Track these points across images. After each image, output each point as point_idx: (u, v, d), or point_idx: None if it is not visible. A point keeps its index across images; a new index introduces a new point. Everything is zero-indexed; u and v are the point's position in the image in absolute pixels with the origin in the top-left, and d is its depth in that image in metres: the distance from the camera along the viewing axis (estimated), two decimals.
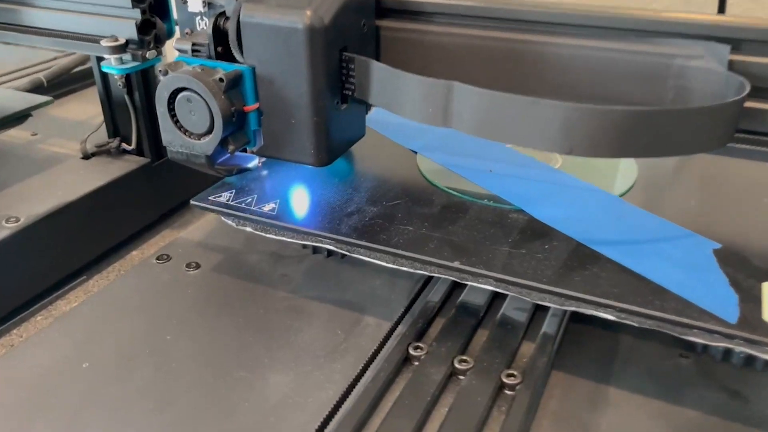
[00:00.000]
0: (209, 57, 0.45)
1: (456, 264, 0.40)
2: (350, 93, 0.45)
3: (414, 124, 0.56)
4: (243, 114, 0.45)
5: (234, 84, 0.44)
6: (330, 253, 0.50)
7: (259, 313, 0.45)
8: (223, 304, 0.46)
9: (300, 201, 0.49)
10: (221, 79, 0.43)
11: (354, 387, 0.38)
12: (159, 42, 0.58)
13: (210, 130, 0.44)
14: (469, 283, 0.40)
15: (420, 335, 0.42)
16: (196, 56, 0.45)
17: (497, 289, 0.39)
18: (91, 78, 0.68)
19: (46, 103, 0.63)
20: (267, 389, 0.39)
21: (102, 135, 0.64)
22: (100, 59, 0.59)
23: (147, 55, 0.57)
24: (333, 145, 0.46)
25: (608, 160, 0.53)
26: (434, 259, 0.41)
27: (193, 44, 0.45)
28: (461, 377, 0.38)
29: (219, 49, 0.45)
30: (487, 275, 0.40)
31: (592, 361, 0.40)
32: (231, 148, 0.45)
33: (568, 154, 0.36)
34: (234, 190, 0.50)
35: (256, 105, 0.45)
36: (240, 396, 0.38)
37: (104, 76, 0.62)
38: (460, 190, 0.49)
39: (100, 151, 0.63)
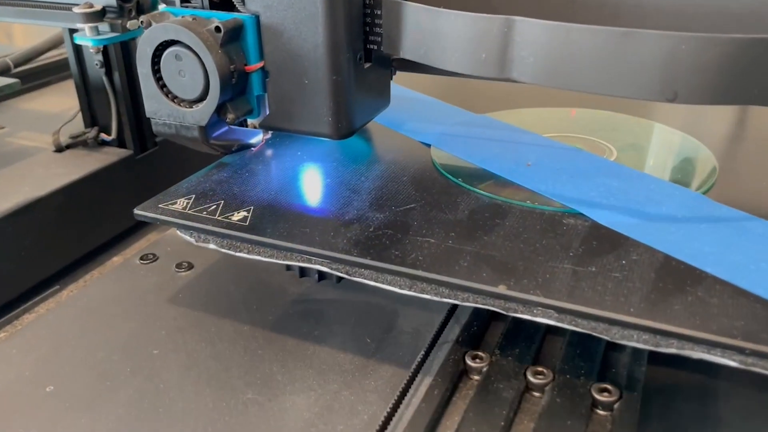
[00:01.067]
0: (202, 7, 0.37)
1: (500, 289, 0.29)
2: (375, 47, 0.37)
3: (423, 113, 0.49)
4: (244, 75, 0.36)
5: (233, 36, 0.35)
6: (322, 275, 0.40)
7: (268, 320, 0.37)
8: (223, 310, 0.38)
9: (281, 207, 0.36)
10: (218, 29, 0.34)
11: (396, 410, 0.30)
12: (141, 11, 0.50)
13: (204, 95, 0.35)
14: (520, 316, 0.29)
15: (476, 342, 0.33)
16: (186, 6, 0.37)
17: (561, 324, 0.28)
18: (68, 69, 0.60)
19: (10, 87, 0.54)
20: (284, 415, 0.30)
21: (78, 125, 0.56)
22: (73, 33, 0.51)
23: (128, 26, 0.49)
24: (354, 112, 0.38)
25: (680, 148, 0.44)
26: (468, 283, 0.29)
27: None
28: (538, 394, 0.30)
29: None
30: (546, 304, 0.28)
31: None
32: (230, 117, 0.37)
33: (671, 101, 0.28)
34: (194, 195, 0.38)
35: (261, 63, 0.37)
36: (250, 425, 0.30)
37: (79, 54, 0.54)
38: (491, 190, 0.37)
39: (76, 143, 0.55)
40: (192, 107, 0.36)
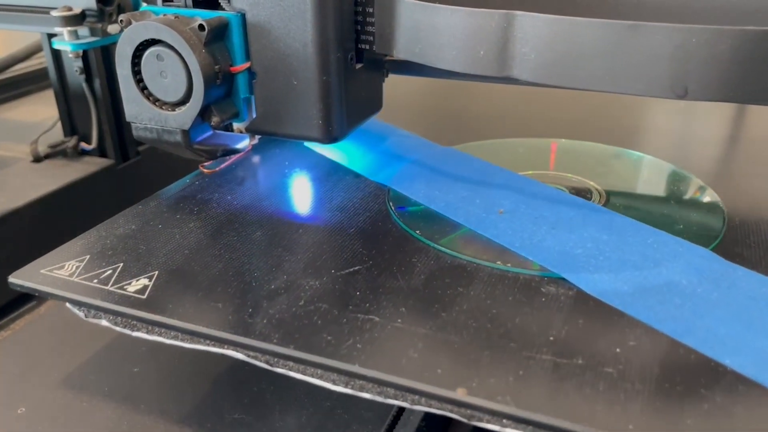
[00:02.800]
0: (185, 5, 0.35)
1: (459, 394, 0.22)
2: (368, 46, 0.35)
3: (380, 145, 0.43)
4: (230, 76, 0.35)
5: (218, 35, 0.34)
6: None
7: None
8: None
9: (194, 272, 0.30)
10: (201, 27, 0.33)
11: (394, 428, 0.28)
12: (123, 13, 0.48)
13: (187, 98, 0.34)
14: (487, 426, 0.22)
15: None
16: (168, 5, 0.35)
17: None
18: (48, 79, 0.58)
19: None
20: None
21: (57, 134, 0.54)
22: (51, 38, 0.49)
23: (108, 30, 0.48)
24: (345, 115, 0.36)
25: (679, 188, 0.37)
26: (418, 384, 0.23)
27: None
28: None
29: None
30: (520, 417, 0.21)
31: None
32: (215, 120, 0.35)
33: (681, 97, 0.27)
34: (88, 255, 0.31)
35: (247, 64, 0.35)
36: None
37: (57, 60, 0.52)
38: (455, 246, 0.31)
39: (55, 153, 0.53)
40: (174, 110, 0.34)
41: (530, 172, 0.38)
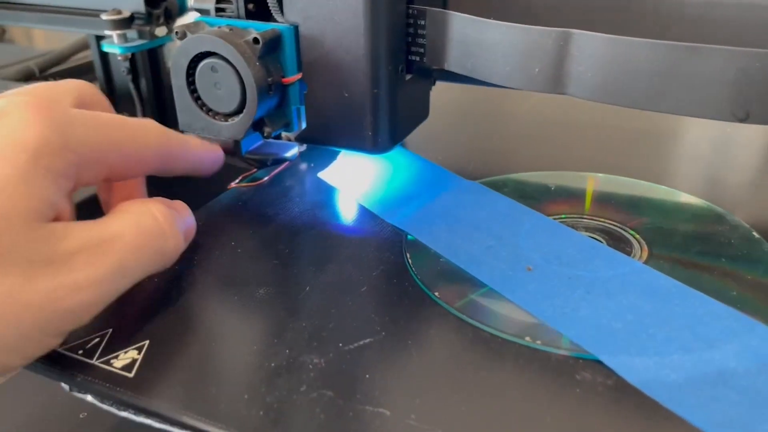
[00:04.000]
0: (238, 17, 0.35)
1: None
2: (418, 58, 0.35)
3: (399, 178, 0.37)
4: (282, 87, 0.35)
5: (271, 48, 0.34)
6: None
7: None
8: None
9: (188, 341, 0.25)
10: (256, 40, 0.33)
11: None
12: (170, 17, 0.49)
13: (240, 109, 0.34)
14: None
15: None
16: (221, 16, 0.36)
17: None
18: (92, 73, 0.59)
19: None
20: None
21: None
22: (99, 39, 0.49)
23: (156, 32, 0.48)
24: (395, 125, 0.36)
25: (732, 242, 0.30)
26: None
27: (217, 0, 0.36)
28: None
29: (250, 6, 0.35)
30: None
31: None
32: (267, 131, 0.35)
33: (743, 121, 0.26)
34: None
35: (299, 75, 0.35)
36: None
37: (105, 61, 0.53)
38: (478, 313, 0.26)
39: None
40: (227, 121, 0.35)
41: (563, 216, 0.33)
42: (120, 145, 0.27)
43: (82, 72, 0.73)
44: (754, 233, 0.31)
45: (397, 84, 0.35)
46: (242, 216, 0.34)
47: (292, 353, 0.24)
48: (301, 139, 0.38)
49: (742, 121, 0.26)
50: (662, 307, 0.26)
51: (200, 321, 0.27)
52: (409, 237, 0.32)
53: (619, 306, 0.26)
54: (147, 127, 0.29)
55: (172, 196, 0.30)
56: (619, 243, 0.31)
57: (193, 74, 0.34)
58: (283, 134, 0.39)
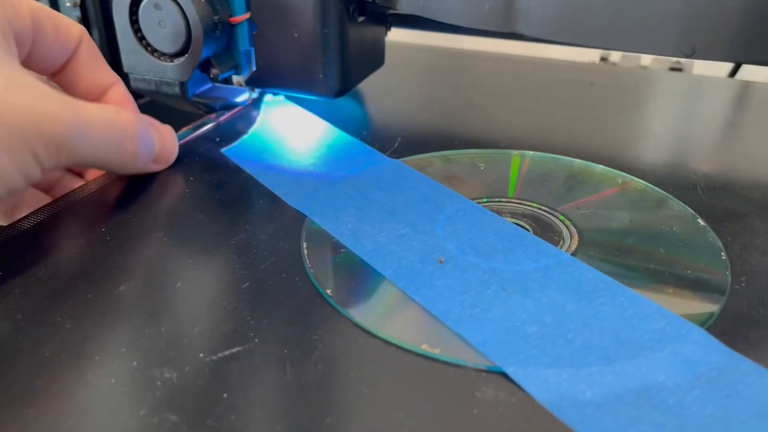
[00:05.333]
0: None
1: None
2: None
3: (308, 150, 0.33)
4: (229, 27, 0.34)
5: None
6: None
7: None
8: None
9: (19, 350, 0.21)
10: None
11: None
12: None
13: (186, 48, 0.33)
14: None
15: None
16: None
17: None
18: None
19: None
20: None
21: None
22: None
23: None
24: (347, 69, 0.35)
25: (672, 230, 0.27)
26: None
27: None
28: None
29: None
30: None
31: None
32: (214, 72, 0.34)
33: (688, 56, 0.25)
34: None
35: (247, 15, 0.34)
36: None
37: (55, 9, 0.49)
38: (373, 317, 0.22)
39: None
40: (173, 61, 0.34)
41: (485, 200, 0.29)
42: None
43: None
44: (699, 220, 0.27)
45: (349, 25, 0.34)
46: (125, 197, 0.30)
47: (141, 365, 0.20)
48: (251, 83, 0.37)
49: (688, 56, 0.25)
50: (586, 306, 0.22)
51: (39, 326, 0.22)
52: (311, 223, 0.28)
53: (537, 305, 0.22)
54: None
55: None
56: (546, 230, 0.27)
57: (137, 12, 0.33)
58: (234, 79, 0.37)
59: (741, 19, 0.24)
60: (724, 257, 0.25)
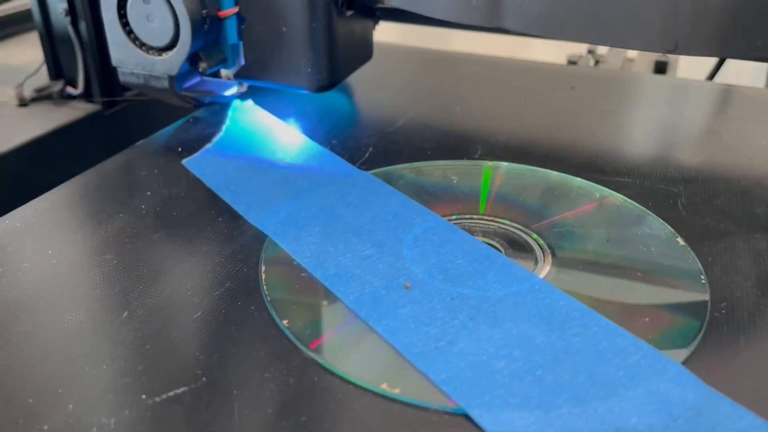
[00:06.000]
0: None
1: None
2: None
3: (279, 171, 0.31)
4: (218, 21, 0.34)
5: None
6: None
7: None
8: None
9: None
10: None
11: None
12: None
13: (174, 42, 0.33)
14: None
15: None
16: None
17: None
18: (32, 21, 0.55)
19: None
20: None
21: (43, 78, 0.52)
22: None
23: None
24: (334, 63, 0.35)
25: (650, 250, 0.25)
26: None
27: None
28: None
29: None
30: None
31: None
32: (203, 66, 0.34)
33: (671, 52, 0.26)
34: None
35: (235, 9, 0.34)
36: None
37: (43, 4, 0.48)
38: (331, 351, 0.21)
39: (41, 97, 0.50)
40: (161, 55, 0.33)
41: (454, 218, 0.28)
42: None
43: (22, 19, 0.69)
44: (679, 240, 0.26)
45: (336, 19, 0.34)
46: (77, 210, 0.28)
47: (77, 409, 0.18)
48: (239, 76, 0.36)
49: (670, 52, 0.26)
50: (558, 338, 0.21)
51: None
52: (271, 244, 0.26)
53: (505, 337, 0.21)
54: None
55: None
56: (519, 250, 0.26)
57: (125, 6, 0.33)
58: (222, 73, 0.37)
59: (722, 14, 0.25)
60: (704, 281, 0.24)
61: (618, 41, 0.27)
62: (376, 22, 0.40)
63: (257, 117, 0.37)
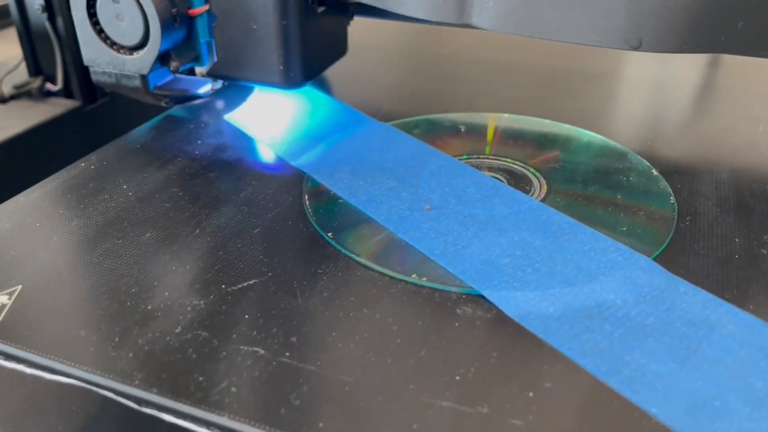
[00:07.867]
0: None
1: None
2: None
3: (305, 120, 0.36)
4: (188, 19, 0.34)
5: None
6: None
7: None
8: None
9: (61, 289, 0.24)
10: None
11: None
12: None
13: (144, 41, 0.33)
14: None
15: None
16: None
17: None
18: (8, 17, 0.56)
19: None
20: None
21: (22, 74, 0.52)
22: None
23: None
24: (307, 60, 0.35)
25: (629, 179, 0.30)
26: None
27: None
28: None
29: None
30: None
31: None
32: (174, 64, 0.34)
33: (636, 48, 0.26)
34: None
35: (206, 7, 0.34)
36: None
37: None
38: (369, 253, 0.26)
39: (20, 93, 0.51)
40: (132, 54, 0.34)
41: (465, 157, 0.33)
42: None
43: (3, 14, 0.69)
44: (654, 171, 0.31)
45: (308, 16, 0.34)
46: (139, 159, 0.33)
47: (172, 295, 0.23)
48: (212, 74, 0.37)
49: (635, 48, 0.26)
50: (551, 242, 0.26)
51: (78, 265, 0.25)
52: (310, 179, 0.31)
53: (509, 242, 0.26)
54: None
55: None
56: (519, 181, 0.30)
57: (94, 5, 0.33)
58: (196, 70, 0.38)
59: (685, 10, 0.25)
60: (672, 201, 0.29)
61: (584, 38, 0.27)
62: (350, 18, 0.40)
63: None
